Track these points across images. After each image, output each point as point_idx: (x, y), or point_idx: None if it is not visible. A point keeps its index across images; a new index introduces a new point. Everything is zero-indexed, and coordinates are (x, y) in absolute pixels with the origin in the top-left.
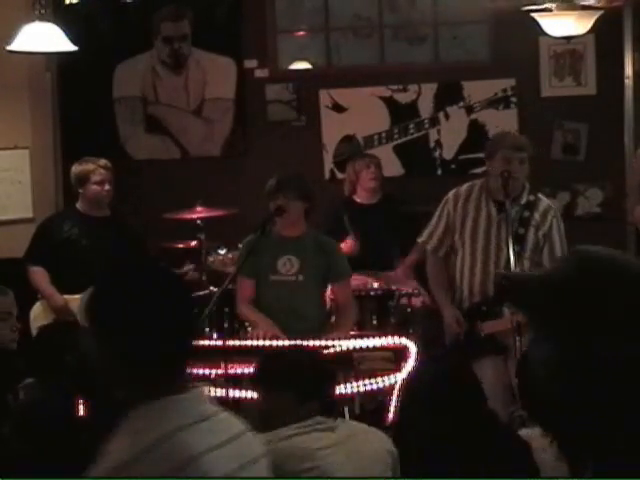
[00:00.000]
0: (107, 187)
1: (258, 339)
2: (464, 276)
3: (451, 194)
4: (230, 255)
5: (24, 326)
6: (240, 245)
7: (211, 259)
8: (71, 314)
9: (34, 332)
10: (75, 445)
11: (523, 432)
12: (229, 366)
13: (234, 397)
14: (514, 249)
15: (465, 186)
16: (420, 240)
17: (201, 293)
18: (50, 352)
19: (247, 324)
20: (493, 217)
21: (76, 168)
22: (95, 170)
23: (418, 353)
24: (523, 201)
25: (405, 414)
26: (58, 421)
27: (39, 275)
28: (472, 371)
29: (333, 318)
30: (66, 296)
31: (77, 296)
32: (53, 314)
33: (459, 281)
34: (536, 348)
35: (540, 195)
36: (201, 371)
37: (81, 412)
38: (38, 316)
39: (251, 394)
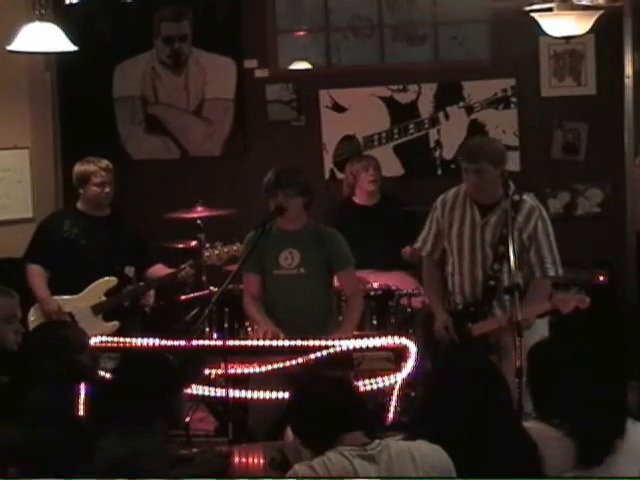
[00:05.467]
0: (107, 189)
1: (258, 339)
2: (455, 281)
3: (438, 201)
4: (226, 249)
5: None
6: (235, 239)
7: (207, 254)
8: (65, 316)
9: None
10: (74, 442)
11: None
12: (229, 366)
13: (234, 397)
14: (500, 250)
15: (452, 191)
16: (415, 246)
17: (201, 293)
18: (42, 351)
19: (247, 324)
20: (477, 222)
21: (78, 168)
22: (96, 172)
23: (418, 353)
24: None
25: (427, 409)
26: (57, 420)
27: (36, 276)
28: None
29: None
30: (64, 297)
31: (75, 297)
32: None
33: (451, 286)
34: None
35: (525, 196)
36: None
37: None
38: (37, 318)
39: (253, 394)
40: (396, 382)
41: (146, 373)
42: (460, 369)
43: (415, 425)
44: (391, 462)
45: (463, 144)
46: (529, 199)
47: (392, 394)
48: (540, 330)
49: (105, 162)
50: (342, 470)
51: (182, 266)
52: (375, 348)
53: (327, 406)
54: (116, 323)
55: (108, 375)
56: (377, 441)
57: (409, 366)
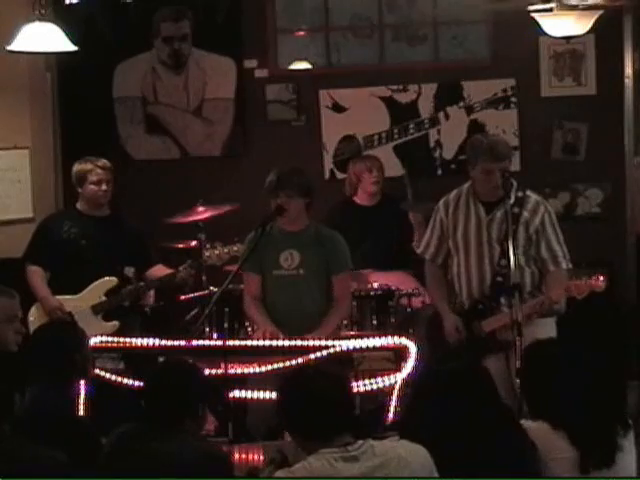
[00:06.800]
0: (104, 187)
1: (258, 339)
2: (461, 280)
3: (441, 202)
4: (226, 250)
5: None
6: (236, 239)
7: (207, 254)
8: (66, 315)
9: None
10: (74, 443)
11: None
12: (229, 366)
13: (234, 397)
14: (506, 245)
15: (453, 193)
16: (418, 251)
17: (201, 293)
18: (46, 351)
19: (247, 324)
20: (482, 218)
21: (76, 167)
22: (93, 170)
23: (419, 353)
24: (512, 198)
25: (416, 411)
26: (57, 420)
27: (36, 275)
28: (485, 367)
29: None
30: (65, 297)
31: (75, 297)
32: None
33: (458, 286)
34: None
35: (528, 192)
36: None
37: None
38: (37, 318)
39: (253, 394)
40: (396, 382)
41: (182, 380)
42: (442, 370)
43: (404, 426)
44: (375, 461)
45: (465, 144)
46: (533, 194)
47: (392, 394)
48: (547, 330)
49: (103, 161)
50: (322, 474)
51: (180, 267)
52: (375, 348)
53: (320, 401)
54: (116, 323)
55: (108, 375)
56: (360, 441)
57: (409, 366)
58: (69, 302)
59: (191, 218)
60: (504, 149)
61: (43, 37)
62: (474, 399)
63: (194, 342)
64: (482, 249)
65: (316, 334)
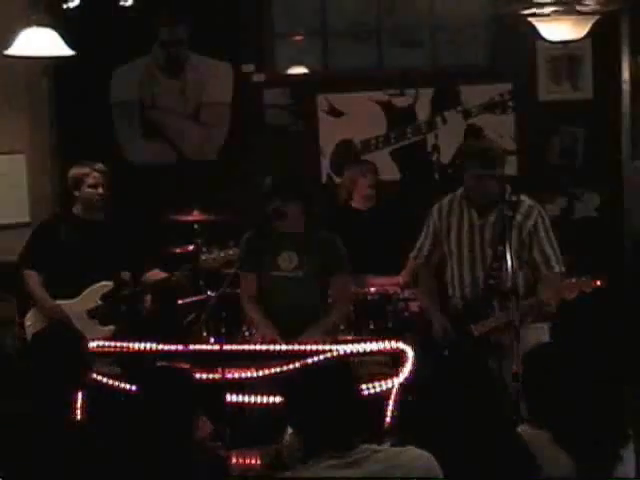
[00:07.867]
0: (101, 190)
1: (256, 344)
2: (455, 285)
3: (434, 208)
4: (222, 254)
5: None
6: (231, 244)
7: (203, 258)
8: (64, 318)
9: (29, 337)
10: (72, 447)
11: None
12: (226, 370)
13: (231, 401)
14: (499, 249)
15: (446, 198)
16: (412, 255)
17: (198, 297)
18: (45, 355)
19: (244, 328)
20: (475, 223)
21: (72, 171)
22: (89, 173)
23: (415, 357)
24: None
25: (417, 413)
26: (57, 423)
27: (32, 279)
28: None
29: None
30: (60, 301)
31: (71, 301)
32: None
33: (451, 290)
34: None
35: (523, 197)
36: (199, 376)
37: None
38: (34, 322)
39: (250, 398)
40: (393, 386)
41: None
42: (450, 371)
43: (407, 428)
44: (377, 467)
45: (462, 148)
46: (527, 199)
47: (389, 399)
48: (540, 334)
49: (99, 164)
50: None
51: (176, 272)
52: (372, 352)
53: (328, 404)
54: (112, 327)
55: (105, 379)
56: (364, 446)
57: (406, 370)
58: (65, 306)
59: (188, 218)
60: (495, 155)
61: (40, 42)
62: (475, 400)
63: (191, 346)
64: (474, 253)
65: (313, 329)
